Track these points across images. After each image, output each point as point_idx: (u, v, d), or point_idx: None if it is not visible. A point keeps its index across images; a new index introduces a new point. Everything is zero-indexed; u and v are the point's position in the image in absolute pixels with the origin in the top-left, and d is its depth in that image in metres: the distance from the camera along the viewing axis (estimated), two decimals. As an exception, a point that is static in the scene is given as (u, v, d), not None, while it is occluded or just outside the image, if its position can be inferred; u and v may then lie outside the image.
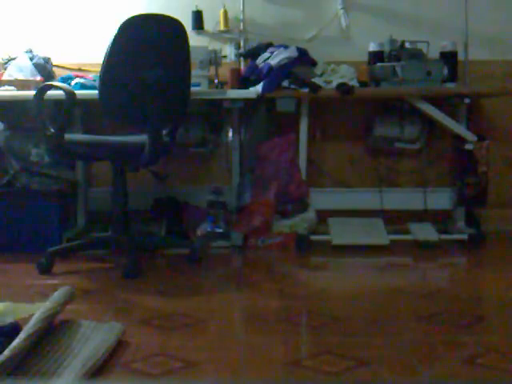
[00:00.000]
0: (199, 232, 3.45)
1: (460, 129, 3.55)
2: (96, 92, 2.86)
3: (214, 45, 3.73)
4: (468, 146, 3.53)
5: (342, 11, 3.79)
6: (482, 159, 3.55)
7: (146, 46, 2.83)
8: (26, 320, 1.88)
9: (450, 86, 3.53)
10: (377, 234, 3.51)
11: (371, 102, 3.79)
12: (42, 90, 2.88)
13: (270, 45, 3.62)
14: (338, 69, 3.56)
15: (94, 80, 3.38)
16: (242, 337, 2.16)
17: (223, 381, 1.75)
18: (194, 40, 3.53)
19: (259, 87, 3.37)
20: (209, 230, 3.41)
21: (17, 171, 3.44)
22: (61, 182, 3.49)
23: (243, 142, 3.76)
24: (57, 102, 3.14)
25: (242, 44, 3.79)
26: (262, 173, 3.58)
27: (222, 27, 3.78)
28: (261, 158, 3.61)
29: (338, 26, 3.82)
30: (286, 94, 3.41)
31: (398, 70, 3.44)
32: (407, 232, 3.57)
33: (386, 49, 3.61)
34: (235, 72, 3.58)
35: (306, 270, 3.24)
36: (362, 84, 3.53)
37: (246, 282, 2.92)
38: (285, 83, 3.39)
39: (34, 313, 1.91)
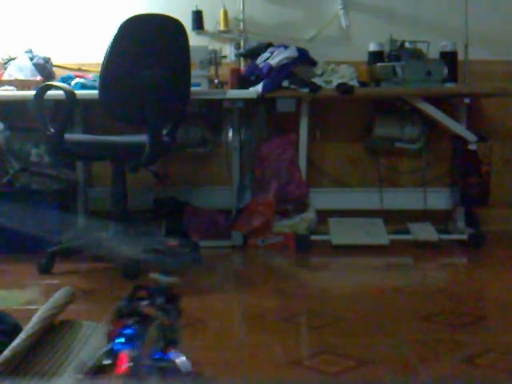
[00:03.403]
0: None
1: (460, 129, 3.55)
2: (96, 92, 2.85)
3: (214, 45, 3.73)
4: (471, 146, 3.53)
5: (342, 11, 3.79)
6: (484, 159, 3.55)
7: (146, 45, 2.83)
8: (27, 320, 1.88)
9: (450, 86, 3.53)
10: (377, 233, 3.51)
11: (371, 102, 3.79)
12: (42, 90, 2.88)
13: (269, 45, 3.62)
14: (338, 69, 3.56)
15: (94, 80, 3.38)
16: (242, 337, 2.16)
17: (223, 381, 1.75)
18: (194, 40, 3.53)
19: (259, 87, 3.37)
20: None
21: (17, 171, 3.44)
22: (61, 182, 3.49)
23: (243, 142, 3.76)
24: (57, 102, 3.14)
25: (242, 44, 3.79)
26: (262, 173, 3.58)
27: (221, 27, 3.78)
28: (261, 158, 3.60)
29: (338, 25, 3.82)
30: (286, 94, 3.41)
31: (398, 70, 3.44)
32: (407, 232, 3.57)
33: (386, 49, 3.62)
34: (235, 72, 3.57)
35: (306, 269, 3.24)
36: (362, 84, 3.52)
37: (246, 282, 2.92)
38: (285, 83, 3.39)
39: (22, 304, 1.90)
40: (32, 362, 1.75)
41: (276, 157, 3.58)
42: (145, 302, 1.34)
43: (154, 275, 1.40)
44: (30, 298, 2.66)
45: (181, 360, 1.24)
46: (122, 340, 1.28)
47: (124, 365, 1.22)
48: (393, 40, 3.59)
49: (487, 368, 1.82)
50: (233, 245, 3.49)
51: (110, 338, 1.31)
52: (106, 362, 1.31)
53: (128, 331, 1.28)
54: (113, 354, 1.27)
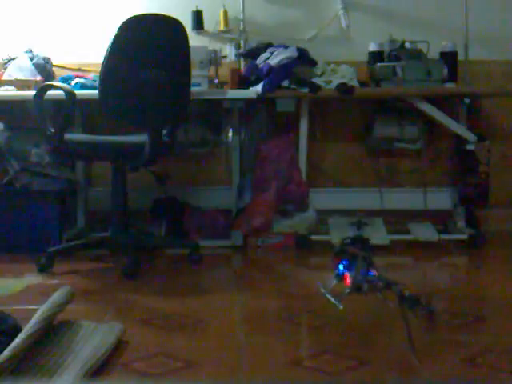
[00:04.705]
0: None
1: (460, 129, 3.55)
2: (96, 92, 2.85)
3: (214, 45, 3.73)
4: (469, 146, 3.53)
5: (342, 11, 3.79)
6: (483, 159, 3.55)
7: (146, 45, 2.83)
8: (27, 320, 1.88)
9: (450, 86, 3.53)
10: (377, 233, 3.51)
11: (371, 102, 3.79)
12: (41, 90, 2.88)
13: (269, 45, 3.61)
14: (338, 69, 3.56)
15: (94, 80, 3.38)
16: (241, 337, 2.16)
17: (223, 381, 1.75)
18: (194, 40, 3.53)
19: (259, 87, 3.37)
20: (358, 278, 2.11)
21: (17, 171, 3.44)
22: (61, 182, 3.49)
23: (243, 141, 3.76)
24: (57, 102, 3.14)
25: (242, 44, 3.79)
26: (262, 173, 3.58)
27: (222, 27, 3.78)
28: (261, 158, 3.60)
29: (338, 25, 3.82)
30: (286, 94, 3.41)
31: (398, 70, 3.44)
32: (407, 232, 3.57)
33: (386, 49, 3.61)
34: (235, 72, 3.57)
35: (306, 270, 3.23)
36: (362, 84, 3.52)
37: (246, 282, 2.92)
38: (285, 83, 3.39)
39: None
40: (32, 361, 1.75)
41: (276, 157, 3.58)
42: (351, 246, 2.19)
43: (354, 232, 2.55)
44: (24, 288, 2.71)
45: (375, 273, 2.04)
46: (342, 267, 2.09)
47: (347, 280, 2.05)
48: (393, 40, 3.59)
49: (487, 368, 1.82)
50: (233, 245, 3.49)
51: (335, 267, 2.10)
52: (334, 282, 2.10)
53: (344, 262, 2.09)
54: (339, 276, 2.09)
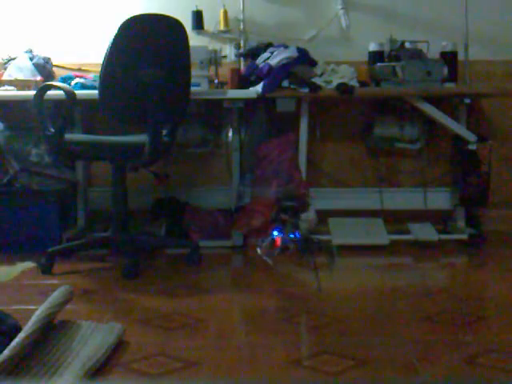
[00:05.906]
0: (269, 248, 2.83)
1: (460, 129, 3.55)
2: (96, 92, 2.85)
3: (214, 45, 3.73)
4: (471, 146, 3.53)
5: (341, 11, 3.79)
6: (484, 159, 3.55)
7: (146, 46, 2.83)
8: (26, 320, 1.88)
9: (450, 86, 3.53)
10: (377, 233, 3.51)
11: (371, 102, 3.79)
12: (42, 90, 2.88)
13: (269, 45, 3.61)
14: (338, 69, 3.56)
15: (94, 80, 3.38)
16: (241, 337, 2.16)
17: (223, 381, 1.75)
18: (194, 40, 3.53)
19: (259, 87, 3.37)
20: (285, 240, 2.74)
21: (17, 171, 3.44)
22: (61, 182, 3.49)
23: (243, 141, 3.76)
24: (57, 102, 3.14)
25: (242, 44, 3.79)
26: (262, 173, 3.58)
27: (222, 27, 3.78)
28: (261, 158, 3.60)
29: (338, 25, 3.82)
30: (286, 94, 3.41)
31: (398, 70, 3.44)
32: (407, 232, 3.57)
33: (386, 49, 3.62)
34: (235, 72, 3.57)
35: (306, 269, 3.23)
36: (362, 84, 3.52)
37: (246, 282, 2.92)
38: (285, 83, 3.39)
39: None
40: (32, 361, 1.75)
41: (276, 157, 3.58)
42: (284, 215, 2.85)
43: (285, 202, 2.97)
44: (19, 274, 2.82)
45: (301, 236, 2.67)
46: (276, 232, 2.67)
47: (278, 241, 2.61)
48: (393, 40, 3.59)
49: (487, 368, 1.82)
50: (233, 245, 3.48)
51: (271, 232, 2.70)
52: (267, 241, 2.68)
53: (277, 228, 2.67)
54: (273, 238, 2.65)
